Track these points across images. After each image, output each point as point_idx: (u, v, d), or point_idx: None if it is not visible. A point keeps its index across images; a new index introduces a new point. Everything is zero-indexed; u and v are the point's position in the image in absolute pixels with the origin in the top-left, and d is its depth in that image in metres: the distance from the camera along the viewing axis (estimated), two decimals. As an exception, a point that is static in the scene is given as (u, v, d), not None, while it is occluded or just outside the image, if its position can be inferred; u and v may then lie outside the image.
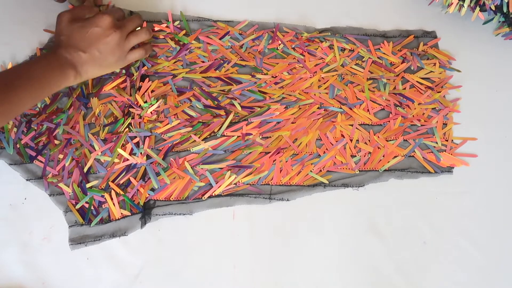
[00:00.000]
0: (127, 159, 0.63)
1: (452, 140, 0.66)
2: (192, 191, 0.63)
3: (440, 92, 0.69)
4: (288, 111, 0.67)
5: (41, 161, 0.63)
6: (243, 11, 0.74)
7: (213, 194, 0.62)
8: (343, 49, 0.72)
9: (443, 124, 0.67)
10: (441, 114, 0.67)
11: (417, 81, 0.70)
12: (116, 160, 0.63)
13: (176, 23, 0.71)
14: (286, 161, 0.64)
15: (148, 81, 0.67)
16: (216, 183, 0.62)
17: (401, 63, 0.71)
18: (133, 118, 0.65)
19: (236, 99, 0.67)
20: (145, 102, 0.66)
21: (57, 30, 0.59)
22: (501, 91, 0.70)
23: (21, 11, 0.71)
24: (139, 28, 0.64)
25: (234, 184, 0.63)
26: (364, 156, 0.65)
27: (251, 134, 0.65)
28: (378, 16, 0.75)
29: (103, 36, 0.58)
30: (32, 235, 0.60)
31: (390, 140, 0.66)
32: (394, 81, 0.70)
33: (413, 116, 0.67)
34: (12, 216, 0.61)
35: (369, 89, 0.69)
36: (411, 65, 0.71)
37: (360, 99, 0.68)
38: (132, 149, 0.63)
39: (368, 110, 0.68)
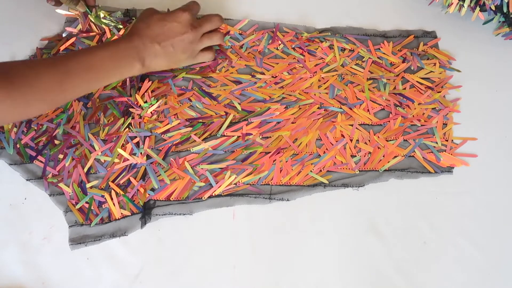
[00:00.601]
0: (127, 159, 0.63)
1: (452, 140, 0.66)
2: (192, 191, 0.63)
3: (440, 92, 0.69)
4: (288, 111, 0.67)
5: (41, 161, 0.63)
6: (243, 11, 0.74)
7: (213, 194, 0.62)
8: (343, 49, 0.72)
9: (443, 124, 0.67)
10: (441, 114, 0.67)
11: (417, 81, 0.70)
12: (116, 160, 0.63)
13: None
14: (286, 161, 0.64)
15: (148, 81, 0.67)
16: (216, 183, 0.62)
17: (402, 63, 0.71)
18: (133, 118, 0.65)
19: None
20: (145, 102, 0.66)
21: (139, 17, 0.60)
22: (501, 91, 0.70)
23: (21, 11, 0.71)
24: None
25: (234, 184, 0.63)
26: (364, 156, 0.65)
27: (251, 134, 0.65)
28: (378, 16, 0.75)
29: (180, 32, 0.58)
30: (32, 235, 0.60)
31: (390, 140, 0.66)
32: (394, 81, 0.70)
33: (413, 116, 0.67)
34: (12, 216, 0.61)
35: (369, 89, 0.69)
36: (411, 65, 0.71)
37: (360, 99, 0.68)
38: (132, 149, 0.63)
39: (368, 110, 0.68)
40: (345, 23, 0.74)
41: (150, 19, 0.59)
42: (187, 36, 0.59)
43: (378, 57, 0.71)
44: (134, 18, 0.71)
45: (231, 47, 0.71)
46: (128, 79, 0.67)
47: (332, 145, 0.65)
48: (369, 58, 0.71)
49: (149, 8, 0.62)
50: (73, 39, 0.68)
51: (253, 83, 0.69)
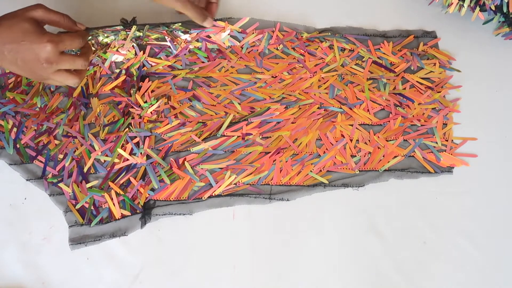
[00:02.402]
0: (127, 159, 0.63)
1: (452, 140, 0.66)
2: (192, 191, 0.63)
3: (440, 92, 0.69)
4: (288, 111, 0.67)
5: (41, 161, 0.63)
6: (243, 11, 0.74)
7: (213, 194, 0.62)
8: (343, 49, 0.72)
9: (443, 124, 0.67)
10: (441, 114, 0.67)
11: (417, 81, 0.70)
12: (116, 160, 0.63)
13: (178, 24, 0.71)
14: (286, 161, 0.64)
15: (148, 81, 0.67)
16: (216, 183, 0.62)
17: (402, 63, 0.71)
18: (133, 118, 0.65)
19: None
20: (145, 102, 0.66)
21: (14, 12, 0.55)
22: (501, 91, 0.70)
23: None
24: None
25: (234, 184, 0.63)
26: (364, 156, 0.65)
27: (251, 134, 0.65)
28: (378, 16, 0.75)
29: (31, 59, 0.54)
30: (32, 235, 0.60)
31: (390, 140, 0.66)
32: (394, 81, 0.70)
33: (413, 116, 0.67)
34: (12, 216, 0.61)
35: (369, 89, 0.69)
36: (411, 65, 0.71)
37: (360, 99, 0.68)
38: (132, 149, 0.63)
39: (368, 110, 0.68)
40: (345, 23, 0.74)
41: (16, 25, 0.54)
42: (37, 65, 0.55)
43: (378, 57, 0.71)
44: (135, 23, 0.69)
45: (231, 47, 0.71)
46: (128, 79, 0.67)
47: (332, 145, 0.65)
48: (369, 58, 0.71)
49: (32, 9, 0.55)
50: None
51: (253, 83, 0.69)
